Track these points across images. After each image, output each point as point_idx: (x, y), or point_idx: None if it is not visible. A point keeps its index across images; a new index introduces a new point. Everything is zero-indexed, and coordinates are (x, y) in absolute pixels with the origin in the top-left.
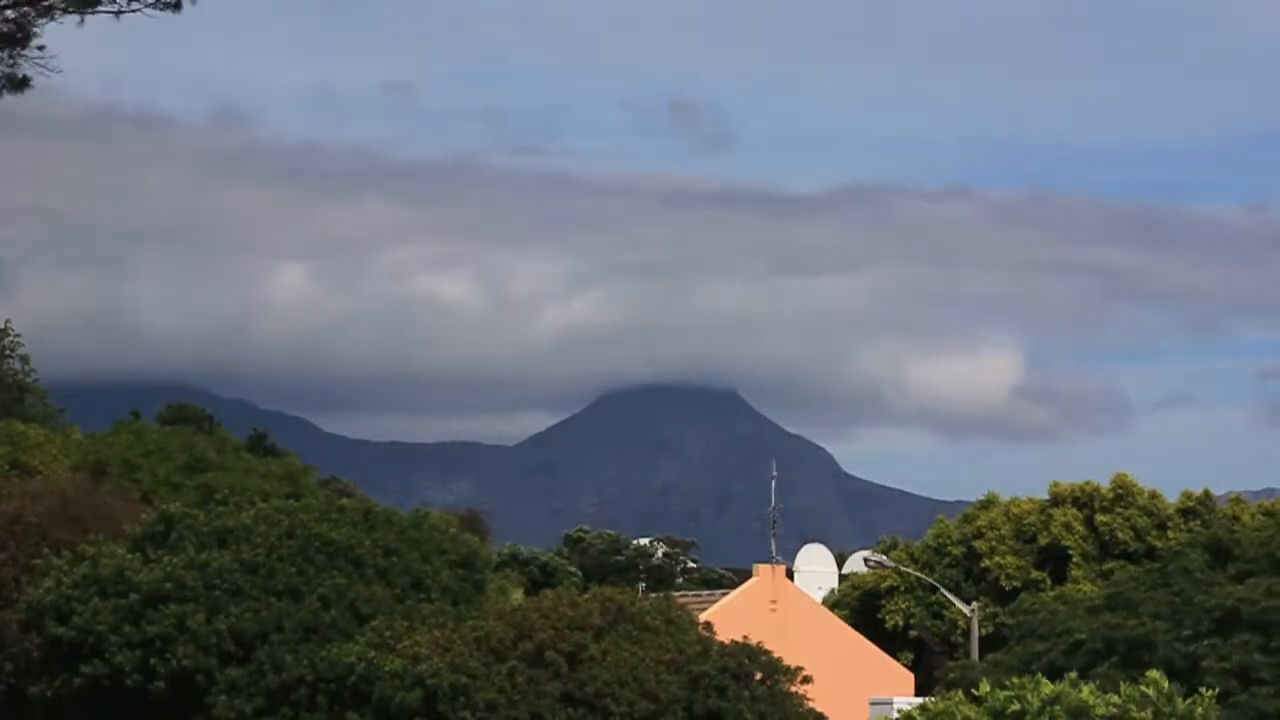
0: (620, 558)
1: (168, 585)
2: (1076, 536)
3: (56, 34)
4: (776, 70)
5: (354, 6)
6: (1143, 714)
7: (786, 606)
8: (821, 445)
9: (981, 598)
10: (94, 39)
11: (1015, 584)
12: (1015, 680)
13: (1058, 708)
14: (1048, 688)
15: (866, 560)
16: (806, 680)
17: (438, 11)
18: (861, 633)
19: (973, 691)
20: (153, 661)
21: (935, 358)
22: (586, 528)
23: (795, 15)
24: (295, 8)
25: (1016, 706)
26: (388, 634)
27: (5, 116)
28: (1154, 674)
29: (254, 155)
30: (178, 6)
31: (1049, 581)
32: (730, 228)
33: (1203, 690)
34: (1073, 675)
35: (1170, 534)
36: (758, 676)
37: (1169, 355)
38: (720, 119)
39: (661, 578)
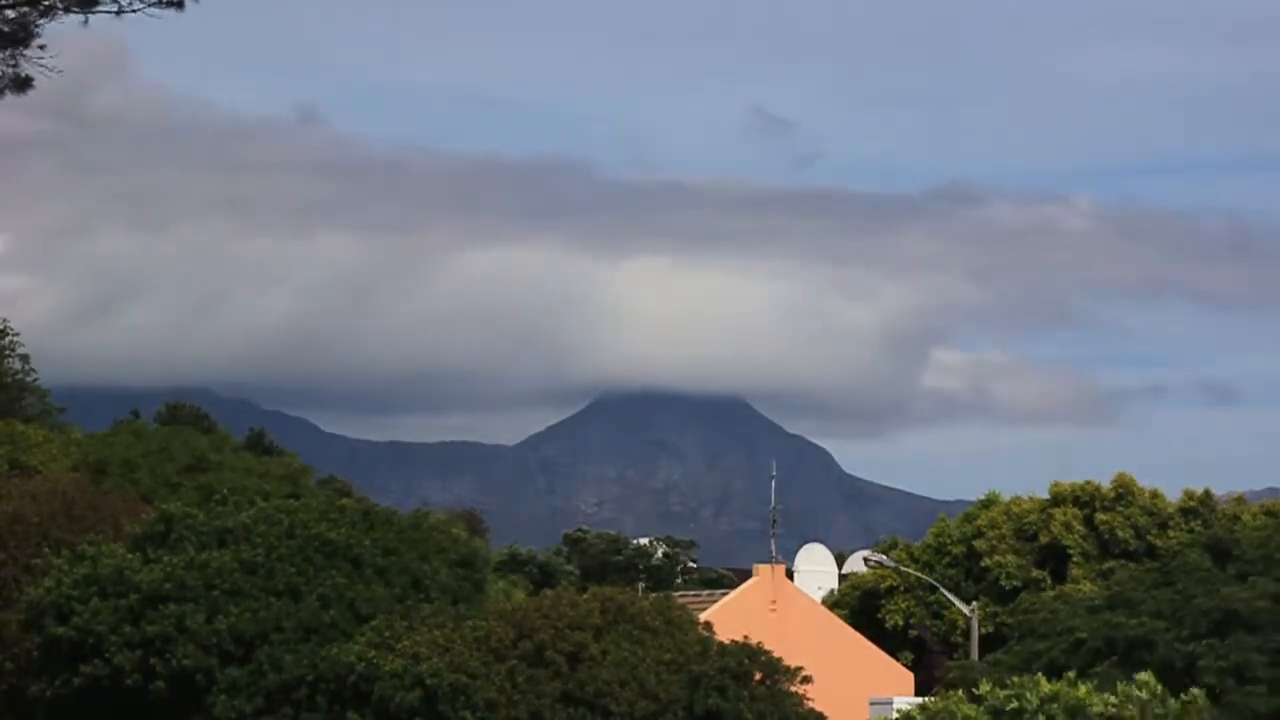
0: (620, 558)
1: (168, 585)
2: (1077, 536)
3: (141, 39)
4: (855, 79)
5: (432, 9)
6: (1138, 713)
7: (786, 606)
8: (822, 445)
9: (981, 597)
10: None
11: (1015, 583)
12: (1015, 679)
13: (1055, 706)
14: (1046, 686)
15: (866, 560)
16: (806, 680)
17: (511, 18)
18: (861, 633)
19: (973, 690)
20: (153, 661)
21: (945, 357)
22: (586, 528)
23: (878, 24)
24: (366, 9)
25: (1015, 705)
26: (387, 634)
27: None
28: (1144, 676)
29: (335, 158)
30: (180, 5)
31: (1049, 581)
32: (796, 233)
33: (1194, 690)
34: (1071, 674)
35: (1171, 533)
36: (757, 676)
37: (1176, 356)
38: (805, 131)
39: (661, 578)
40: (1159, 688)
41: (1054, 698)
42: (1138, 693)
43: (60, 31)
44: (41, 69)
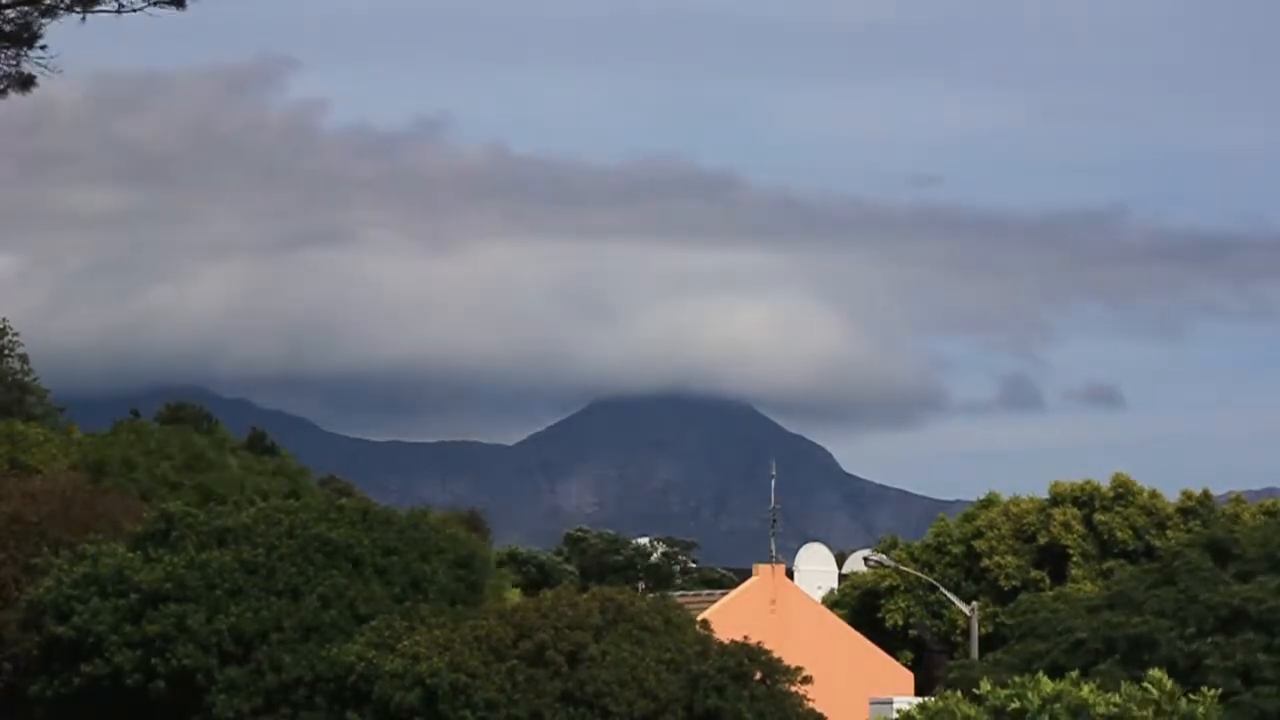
0: (619, 557)
1: (168, 585)
2: (1076, 536)
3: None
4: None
5: (552, 33)
6: (1144, 713)
7: (786, 606)
8: (822, 445)
9: (981, 597)
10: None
11: (1015, 583)
12: (1016, 679)
13: (1058, 706)
14: (1048, 686)
15: (866, 560)
16: (806, 680)
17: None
18: (861, 632)
19: (973, 690)
20: (153, 661)
21: (945, 357)
22: (586, 527)
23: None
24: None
25: (1017, 705)
26: (387, 634)
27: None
28: (1156, 673)
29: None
30: (181, 4)
31: (1048, 581)
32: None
33: (1205, 690)
34: (1073, 674)
35: (1170, 534)
36: (757, 676)
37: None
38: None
39: (661, 577)
40: (1168, 684)
41: (1056, 698)
42: (1151, 690)
43: (200, 53)
44: (42, 68)
